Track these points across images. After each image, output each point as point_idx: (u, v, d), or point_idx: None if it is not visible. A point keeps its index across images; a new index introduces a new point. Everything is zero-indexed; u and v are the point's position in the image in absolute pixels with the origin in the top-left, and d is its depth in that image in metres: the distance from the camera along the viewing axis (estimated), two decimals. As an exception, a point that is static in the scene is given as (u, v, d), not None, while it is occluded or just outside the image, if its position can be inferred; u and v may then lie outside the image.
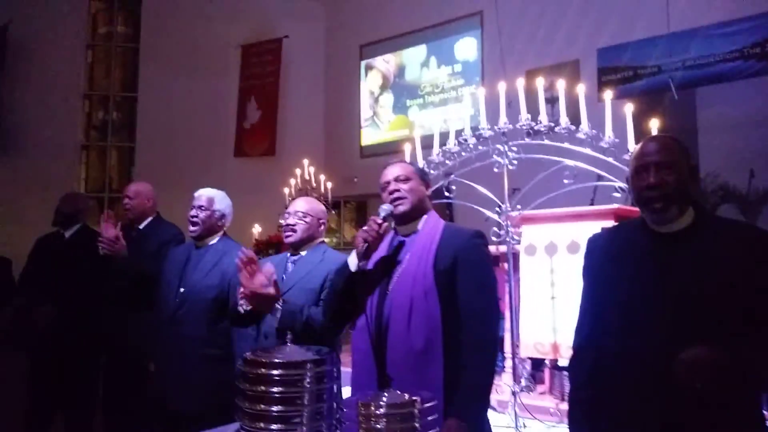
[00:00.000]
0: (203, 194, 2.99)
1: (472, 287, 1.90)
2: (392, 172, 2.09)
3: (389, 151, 8.61)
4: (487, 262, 2.03)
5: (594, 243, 1.82)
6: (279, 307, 2.25)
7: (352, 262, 1.98)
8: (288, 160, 8.52)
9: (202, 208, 2.94)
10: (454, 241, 1.96)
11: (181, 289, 2.89)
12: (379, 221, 1.97)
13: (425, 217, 2.08)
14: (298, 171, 7.26)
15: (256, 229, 7.39)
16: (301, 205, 2.61)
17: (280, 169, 8.42)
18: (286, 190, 6.99)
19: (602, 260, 1.74)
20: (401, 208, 2.02)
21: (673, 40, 7.02)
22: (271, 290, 2.22)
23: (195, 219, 2.93)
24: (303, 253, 2.57)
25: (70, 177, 9.59)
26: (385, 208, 2.01)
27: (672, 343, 1.48)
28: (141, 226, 3.71)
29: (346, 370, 1.94)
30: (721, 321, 1.50)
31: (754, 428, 1.56)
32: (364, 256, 1.95)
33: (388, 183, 2.06)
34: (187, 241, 3.28)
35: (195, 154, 9.85)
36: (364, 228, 1.97)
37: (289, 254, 2.61)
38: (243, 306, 2.33)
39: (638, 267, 1.63)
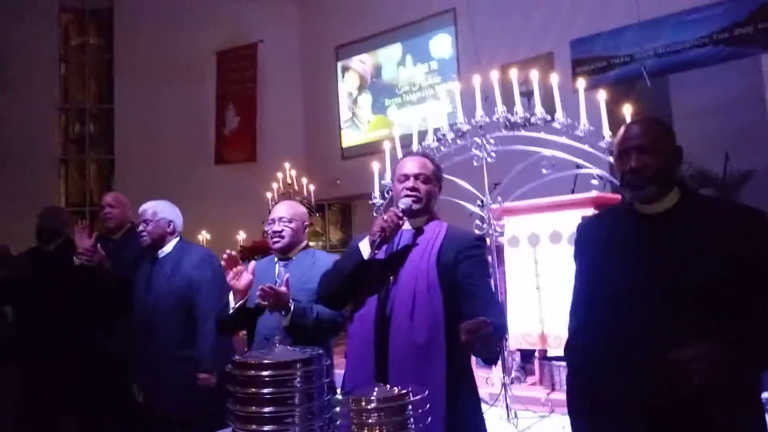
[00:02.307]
0: (147, 208, 3.13)
1: (476, 273, 1.96)
2: (413, 167, 2.10)
3: (370, 151, 8.61)
4: (487, 263, 2.13)
5: (583, 229, 1.84)
6: (290, 306, 2.29)
7: (365, 249, 1.99)
8: (269, 165, 8.49)
9: (147, 221, 3.09)
10: (456, 241, 2.00)
11: (149, 299, 3.03)
12: (399, 214, 1.99)
13: (430, 217, 2.12)
14: (280, 175, 7.25)
15: (241, 236, 7.38)
16: (285, 210, 2.64)
17: (261, 174, 8.39)
18: (269, 195, 6.98)
19: (591, 245, 1.75)
20: (416, 207, 2.05)
21: (643, 29, 7.12)
22: (284, 289, 2.26)
23: (143, 232, 3.09)
24: (292, 256, 2.61)
25: (49, 191, 9.50)
26: (405, 202, 2.03)
27: (659, 327, 1.50)
28: (117, 236, 3.69)
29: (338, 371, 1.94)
30: (707, 301, 1.49)
31: (750, 411, 1.53)
32: (378, 246, 1.97)
33: (407, 177, 2.08)
34: None
35: (175, 163, 9.80)
36: (384, 217, 1.99)
37: (276, 259, 2.63)
38: (233, 307, 2.38)
39: (625, 250, 1.63)
